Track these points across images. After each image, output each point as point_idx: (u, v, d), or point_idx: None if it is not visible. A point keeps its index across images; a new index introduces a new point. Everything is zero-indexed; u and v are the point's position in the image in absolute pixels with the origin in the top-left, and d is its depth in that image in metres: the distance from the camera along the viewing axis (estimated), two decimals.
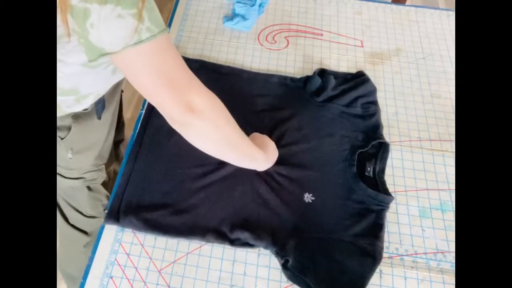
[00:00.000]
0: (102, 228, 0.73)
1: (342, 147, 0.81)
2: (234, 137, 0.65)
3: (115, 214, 0.71)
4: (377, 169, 0.79)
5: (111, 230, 0.73)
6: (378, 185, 0.76)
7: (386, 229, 0.73)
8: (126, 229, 0.72)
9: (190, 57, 0.98)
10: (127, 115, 1.20)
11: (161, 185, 0.73)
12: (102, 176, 0.90)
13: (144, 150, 0.79)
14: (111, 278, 0.68)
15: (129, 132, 1.14)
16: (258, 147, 0.71)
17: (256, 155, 0.71)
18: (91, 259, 0.70)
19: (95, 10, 0.46)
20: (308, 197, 0.72)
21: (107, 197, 0.97)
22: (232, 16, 1.07)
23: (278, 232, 0.68)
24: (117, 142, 1.12)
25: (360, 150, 0.79)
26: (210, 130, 0.61)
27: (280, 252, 0.67)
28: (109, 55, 0.53)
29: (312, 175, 0.76)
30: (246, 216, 0.70)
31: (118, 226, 0.71)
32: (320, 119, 0.85)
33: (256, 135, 0.80)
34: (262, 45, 1.02)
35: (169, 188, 0.73)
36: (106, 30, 0.49)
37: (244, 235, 0.68)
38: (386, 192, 0.75)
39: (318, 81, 0.89)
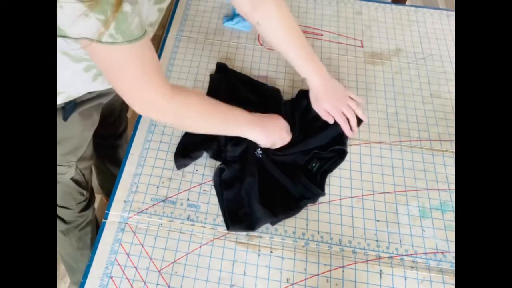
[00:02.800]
0: (102, 228, 0.73)
1: (307, 145, 0.83)
2: (196, 125, 0.75)
3: (184, 158, 0.81)
4: (323, 168, 0.81)
5: (111, 230, 0.73)
6: (316, 181, 0.79)
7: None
8: (126, 229, 0.73)
9: (190, 57, 0.98)
10: (127, 114, 1.20)
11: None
12: (71, 172, 0.90)
13: None
14: (111, 278, 0.68)
15: (129, 132, 1.14)
16: (256, 123, 0.78)
17: (232, 130, 0.78)
18: (91, 259, 0.70)
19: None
20: (258, 153, 0.82)
21: (80, 193, 0.97)
22: (232, 16, 1.07)
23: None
24: (118, 135, 1.16)
25: (316, 151, 0.81)
26: (168, 121, 0.73)
27: (224, 163, 0.80)
28: (68, 38, 0.54)
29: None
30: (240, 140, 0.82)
31: (190, 162, 0.81)
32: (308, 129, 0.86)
33: (268, 115, 0.82)
34: (262, 45, 1.02)
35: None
36: (70, 19, 0.50)
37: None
38: (320, 187, 0.78)
39: (304, 102, 0.89)
